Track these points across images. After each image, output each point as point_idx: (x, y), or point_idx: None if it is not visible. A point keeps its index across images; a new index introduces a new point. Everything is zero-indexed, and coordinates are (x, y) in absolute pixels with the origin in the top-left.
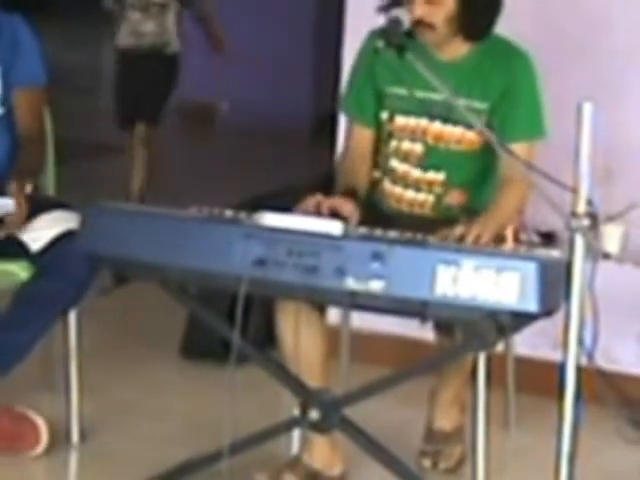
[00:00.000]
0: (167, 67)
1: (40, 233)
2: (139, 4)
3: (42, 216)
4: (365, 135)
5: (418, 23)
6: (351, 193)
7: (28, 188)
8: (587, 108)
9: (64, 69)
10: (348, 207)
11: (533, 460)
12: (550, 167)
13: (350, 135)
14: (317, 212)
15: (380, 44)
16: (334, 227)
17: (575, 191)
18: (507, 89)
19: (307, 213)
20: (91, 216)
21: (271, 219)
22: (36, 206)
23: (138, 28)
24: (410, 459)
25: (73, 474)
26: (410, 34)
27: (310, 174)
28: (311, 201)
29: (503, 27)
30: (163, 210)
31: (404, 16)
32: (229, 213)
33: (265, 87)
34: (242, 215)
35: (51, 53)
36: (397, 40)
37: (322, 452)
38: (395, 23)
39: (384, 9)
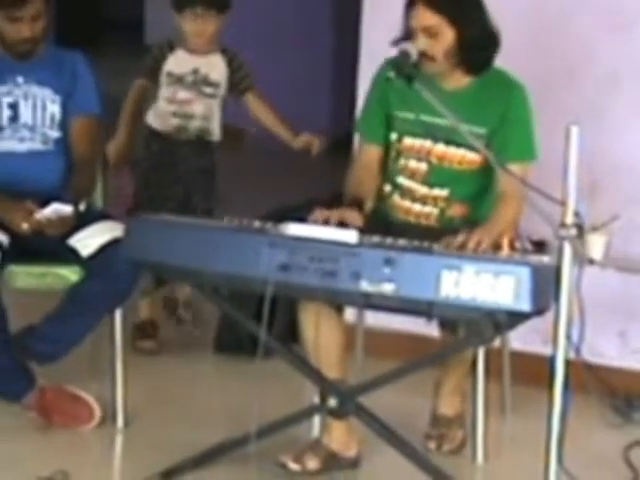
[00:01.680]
0: (213, 159)
1: (90, 241)
2: (191, 80)
3: (92, 226)
4: (373, 152)
5: (422, 55)
6: (356, 202)
7: (82, 206)
8: (574, 130)
9: (109, 97)
10: (353, 216)
11: (526, 443)
12: (541, 182)
13: (360, 151)
14: (325, 223)
15: (391, 74)
16: (350, 236)
17: (564, 204)
18: (504, 117)
19: (317, 224)
20: (135, 226)
21: (294, 229)
22: (87, 218)
23: (186, 109)
24: (417, 442)
25: (119, 454)
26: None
27: (328, 189)
28: (320, 214)
29: (500, 55)
30: (198, 221)
31: (412, 49)
32: (257, 224)
33: (287, 112)
34: (268, 225)
35: (102, 83)
36: (406, 70)
37: (339, 436)
38: (404, 55)
39: (396, 43)
